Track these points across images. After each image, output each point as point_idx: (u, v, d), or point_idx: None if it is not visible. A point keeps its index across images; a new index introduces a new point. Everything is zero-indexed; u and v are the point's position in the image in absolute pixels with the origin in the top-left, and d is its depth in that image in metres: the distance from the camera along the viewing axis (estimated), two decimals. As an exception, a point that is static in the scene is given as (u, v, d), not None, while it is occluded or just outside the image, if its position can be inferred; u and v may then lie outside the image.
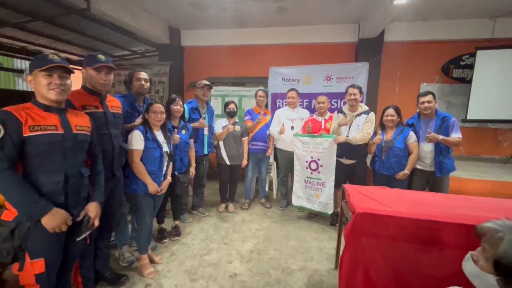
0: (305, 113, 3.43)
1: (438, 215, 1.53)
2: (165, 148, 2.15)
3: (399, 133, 2.64)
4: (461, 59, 4.34)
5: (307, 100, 4.51)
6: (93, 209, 1.48)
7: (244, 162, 3.32)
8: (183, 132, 2.59)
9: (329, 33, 4.64)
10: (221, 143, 3.23)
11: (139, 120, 2.19)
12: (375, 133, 2.75)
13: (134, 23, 4.14)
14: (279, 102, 4.58)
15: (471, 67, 4.26)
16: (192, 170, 2.74)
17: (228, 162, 3.24)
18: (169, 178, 2.24)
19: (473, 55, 4.18)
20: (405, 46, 4.46)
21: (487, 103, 4.07)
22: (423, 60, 4.45)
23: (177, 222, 2.77)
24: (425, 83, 4.52)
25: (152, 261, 2.22)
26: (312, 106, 4.38)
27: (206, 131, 3.01)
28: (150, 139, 2.03)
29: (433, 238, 1.51)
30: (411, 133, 2.61)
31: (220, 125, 3.17)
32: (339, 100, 4.36)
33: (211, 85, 3.01)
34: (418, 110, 2.69)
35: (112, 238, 2.31)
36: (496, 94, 4.03)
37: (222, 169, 3.31)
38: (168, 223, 2.81)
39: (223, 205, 3.45)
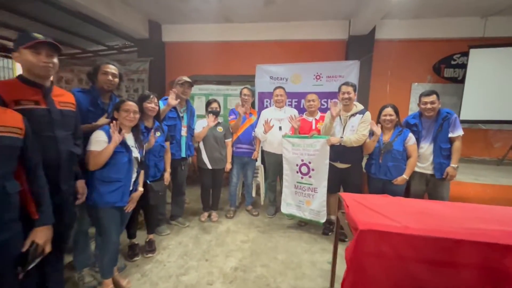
0: (294, 113, 3.17)
1: (453, 231, 1.30)
2: (135, 153, 1.83)
3: (398, 135, 2.43)
4: (453, 59, 4.23)
5: (296, 100, 4.28)
6: (41, 236, 1.22)
7: (228, 166, 3.03)
8: (158, 134, 2.27)
9: (318, 29, 4.43)
10: (201, 145, 2.92)
11: (103, 120, 1.85)
12: (371, 134, 2.53)
13: (108, 14, 3.77)
14: (267, 101, 4.32)
15: (462, 66, 4.16)
16: (167, 176, 2.42)
17: (209, 166, 2.93)
18: (140, 189, 1.92)
19: (464, 54, 4.08)
20: (396, 44, 4.31)
21: (478, 103, 3.97)
22: (414, 59, 4.32)
23: (151, 236, 2.43)
24: (416, 83, 4.39)
25: (118, 285, 1.88)
26: (301, 106, 4.16)
27: (184, 132, 2.69)
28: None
29: (448, 259, 1.27)
30: (410, 135, 2.41)
31: (201, 126, 2.86)
32: (329, 100, 4.15)
33: (192, 82, 2.70)
34: (419, 110, 2.50)
35: (72, 259, 1.97)
36: (488, 94, 3.93)
37: (203, 174, 3.00)
38: (141, 237, 2.47)
39: (206, 214, 3.14)
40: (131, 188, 1.82)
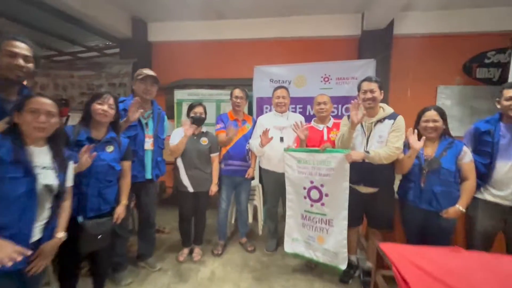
0: (299, 120, 2.48)
1: None
2: (47, 178, 1.14)
3: (447, 148, 1.73)
4: (486, 56, 3.57)
5: (301, 106, 3.65)
6: None
7: (213, 188, 2.32)
8: (109, 149, 1.58)
9: (326, 24, 3.83)
10: (180, 162, 2.24)
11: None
12: (406, 147, 1.84)
13: (79, 5, 3.20)
14: (267, 108, 3.69)
15: (498, 65, 3.51)
16: (120, 211, 1.67)
17: (191, 189, 2.24)
18: (59, 235, 1.22)
19: (501, 51, 3.45)
20: (419, 41, 3.67)
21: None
22: (441, 57, 3.66)
23: (98, 293, 1.71)
24: (443, 86, 3.72)
25: None
26: (307, 113, 3.52)
27: (149, 145, 2.00)
28: (6, 161, 1.03)
29: None
30: (465, 149, 1.71)
31: (179, 135, 2.18)
32: (339, 106, 3.52)
33: (156, 78, 2.03)
34: (499, 110, 1.77)
35: None
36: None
37: (183, 198, 2.30)
38: (88, 291, 1.76)
39: (186, 251, 2.42)
40: (39, 236, 1.13)
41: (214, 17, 4.02)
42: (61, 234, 1.22)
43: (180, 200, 2.32)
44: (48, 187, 1.13)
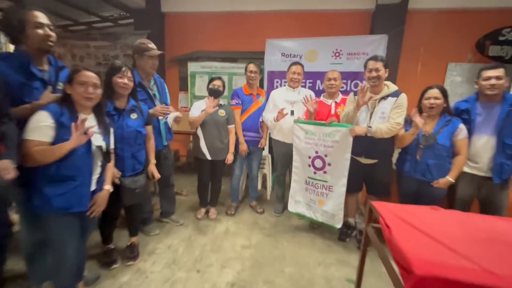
0: (309, 94, 2.64)
1: None
2: (98, 141, 1.38)
3: (444, 125, 1.89)
4: (501, 33, 3.53)
5: (311, 81, 3.75)
6: None
7: (229, 157, 2.56)
8: (133, 116, 1.79)
9: (340, -3, 3.78)
10: (200, 132, 2.47)
11: (47, 97, 1.35)
12: (408, 124, 2.00)
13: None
14: (277, 82, 3.81)
15: (511, 43, 3.48)
16: (152, 168, 1.98)
17: (209, 157, 2.49)
18: (106, 187, 1.49)
19: (517, 28, 3.39)
20: (434, 15, 3.62)
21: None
22: (454, 33, 3.63)
23: (133, 240, 2.04)
24: (454, 63, 3.73)
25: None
26: (317, 88, 3.64)
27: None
28: (68, 126, 1.26)
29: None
30: (461, 126, 1.86)
31: (199, 108, 2.39)
32: (349, 81, 3.60)
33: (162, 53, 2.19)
34: (476, 90, 1.94)
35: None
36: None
37: (201, 165, 2.56)
38: (123, 238, 2.09)
39: (203, 210, 2.73)
40: (94, 188, 1.40)
41: (228, -12, 3.99)
42: (107, 187, 1.49)
43: (199, 167, 2.59)
44: (99, 148, 1.37)
